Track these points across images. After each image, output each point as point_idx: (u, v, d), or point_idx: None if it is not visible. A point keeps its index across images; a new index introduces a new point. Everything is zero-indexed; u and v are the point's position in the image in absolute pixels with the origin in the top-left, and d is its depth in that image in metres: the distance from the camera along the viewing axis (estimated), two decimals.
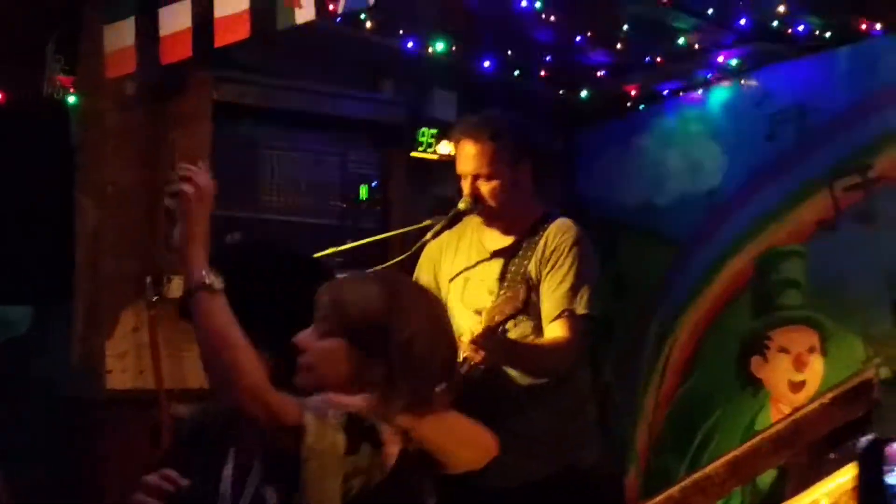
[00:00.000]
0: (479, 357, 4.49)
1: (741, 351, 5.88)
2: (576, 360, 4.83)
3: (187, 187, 3.01)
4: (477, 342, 4.47)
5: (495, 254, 4.83)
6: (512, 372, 4.76)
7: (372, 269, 4.48)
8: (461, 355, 4.59)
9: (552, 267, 4.70)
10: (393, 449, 3.16)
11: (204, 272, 2.92)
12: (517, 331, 4.74)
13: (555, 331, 4.66)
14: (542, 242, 4.75)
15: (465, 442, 3.40)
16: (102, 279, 5.33)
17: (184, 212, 3.00)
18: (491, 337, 4.52)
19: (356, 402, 3.15)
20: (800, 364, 5.64)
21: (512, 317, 4.61)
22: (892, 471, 1.28)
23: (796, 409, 4.94)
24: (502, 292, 4.68)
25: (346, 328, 3.21)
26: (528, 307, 4.64)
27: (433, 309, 3.30)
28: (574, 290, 4.67)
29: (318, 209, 6.07)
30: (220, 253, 5.07)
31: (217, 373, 3.01)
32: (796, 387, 5.62)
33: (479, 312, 4.62)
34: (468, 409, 4.05)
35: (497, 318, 4.58)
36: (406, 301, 3.24)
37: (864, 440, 1.31)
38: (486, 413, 4.32)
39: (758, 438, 4.81)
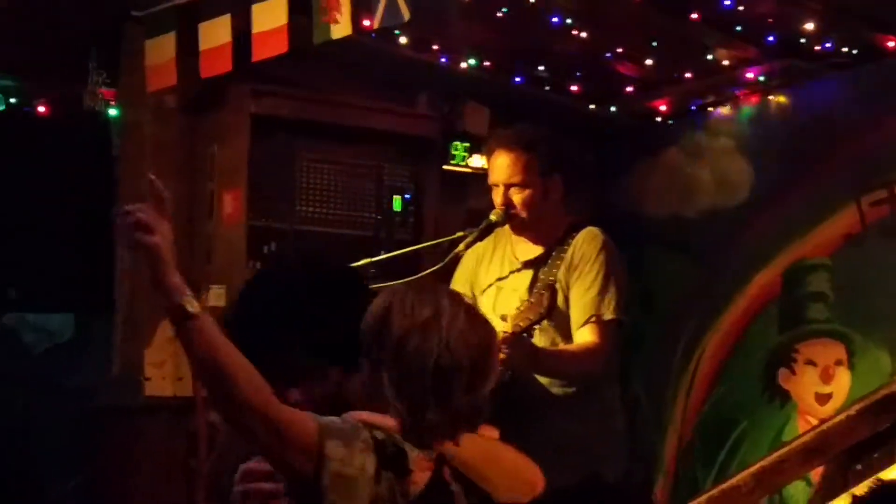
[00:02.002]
0: (503, 357, 4.48)
1: (768, 363, 5.84)
2: (605, 368, 4.82)
3: (142, 237, 2.80)
4: (504, 344, 4.47)
5: (526, 264, 4.84)
6: (541, 380, 4.75)
7: (406, 280, 4.47)
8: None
9: (579, 274, 4.72)
10: (420, 476, 3.08)
11: (186, 301, 2.76)
12: (544, 338, 4.75)
13: (583, 336, 4.68)
14: (570, 250, 4.77)
15: (510, 474, 3.33)
16: (141, 290, 5.32)
17: (150, 257, 2.81)
18: (514, 342, 4.51)
19: (386, 421, 3.09)
20: (826, 376, 5.60)
21: (536, 322, 4.61)
22: None
23: (823, 421, 4.89)
24: (527, 299, 4.68)
25: (363, 344, 3.16)
26: (553, 313, 4.63)
27: (442, 317, 3.12)
28: (601, 296, 4.69)
29: (353, 221, 6.06)
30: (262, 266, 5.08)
31: (220, 398, 2.89)
32: (823, 399, 5.57)
33: (504, 318, 4.60)
34: (502, 420, 4.02)
35: (521, 324, 4.58)
36: (403, 303, 3.14)
37: None
38: (513, 420, 4.32)
39: (785, 449, 4.77)
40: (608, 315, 4.67)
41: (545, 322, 4.65)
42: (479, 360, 3.14)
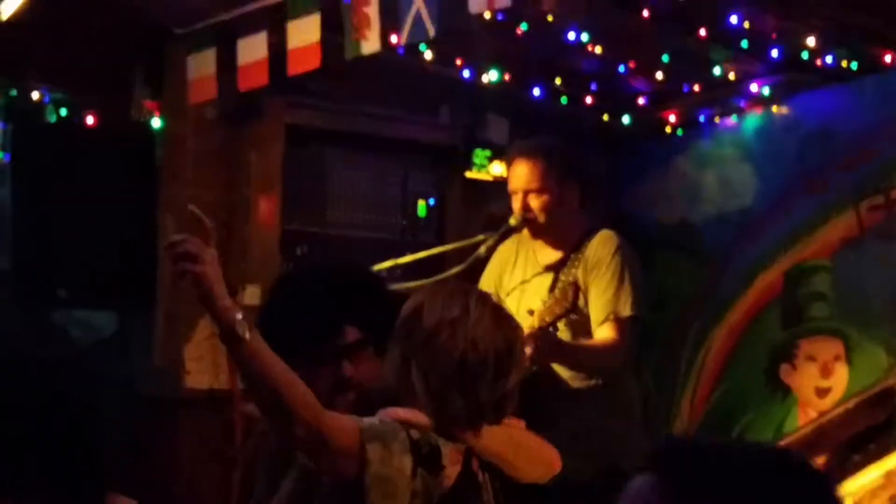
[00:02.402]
0: (530, 351, 4.51)
1: (771, 359, 5.85)
2: (624, 362, 4.85)
3: (190, 267, 2.80)
4: (528, 341, 4.50)
5: (547, 268, 4.85)
6: (563, 373, 4.78)
7: (434, 280, 4.52)
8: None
9: (596, 275, 4.72)
10: (452, 470, 3.11)
11: (237, 325, 2.77)
12: (566, 333, 4.75)
13: (603, 333, 4.69)
14: (586, 253, 4.77)
15: (529, 457, 3.37)
16: (182, 289, 5.37)
17: (198, 284, 2.81)
18: (541, 336, 4.54)
19: (419, 418, 3.09)
20: (826, 371, 5.61)
21: (562, 316, 4.64)
22: None
23: (822, 414, 4.94)
24: (552, 295, 4.70)
25: (395, 339, 3.17)
26: (577, 309, 4.66)
27: (469, 315, 3.13)
28: (618, 295, 4.70)
29: (380, 224, 6.10)
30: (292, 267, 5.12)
31: (271, 412, 2.91)
32: (822, 393, 5.58)
33: (531, 312, 4.63)
34: (527, 412, 4.06)
35: (547, 319, 4.60)
36: (433, 302, 3.16)
37: None
38: (536, 411, 4.36)
39: (786, 441, 4.81)
40: (625, 312, 4.68)
41: (565, 319, 4.70)
42: (504, 356, 3.14)
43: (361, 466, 2.93)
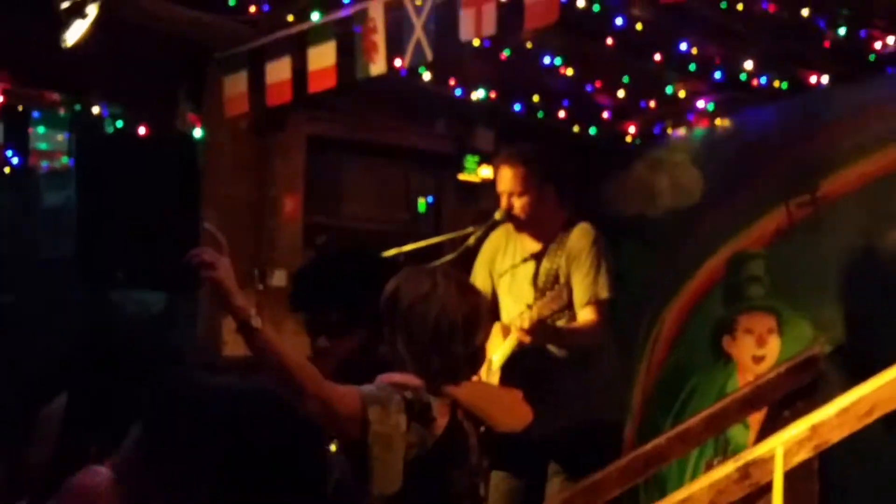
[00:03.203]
0: (528, 340, 4.56)
1: (714, 331, 5.84)
2: (603, 337, 4.86)
3: (209, 273, 2.93)
4: (529, 332, 4.54)
5: (529, 257, 4.86)
6: (550, 348, 4.80)
7: (425, 265, 4.52)
8: (512, 338, 4.67)
9: (578, 263, 4.72)
10: (442, 421, 3.14)
11: (251, 318, 2.87)
12: (558, 319, 4.79)
13: (586, 315, 4.70)
14: (568, 243, 4.76)
15: (504, 408, 3.39)
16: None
17: (216, 288, 2.93)
18: (539, 327, 4.59)
19: (412, 380, 3.13)
20: (761, 342, 5.60)
21: (557, 312, 4.68)
22: None
23: (758, 377, 4.90)
24: (549, 293, 4.72)
25: (382, 315, 3.21)
26: (570, 306, 4.70)
27: (458, 301, 3.18)
28: (596, 280, 4.70)
29: (386, 218, 6.10)
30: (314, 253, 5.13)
31: (286, 388, 2.91)
32: (758, 360, 5.58)
33: (529, 307, 4.67)
34: (518, 377, 4.07)
35: (544, 313, 4.65)
36: (423, 292, 3.18)
37: None
38: (531, 380, 4.38)
39: (727, 399, 4.78)
40: (603, 295, 4.69)
41: (551, 294, 4.72)
42: (471, 319, 3.18)
43: (364, 427, 2.97)
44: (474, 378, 3.34)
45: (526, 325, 4.56)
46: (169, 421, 2.20)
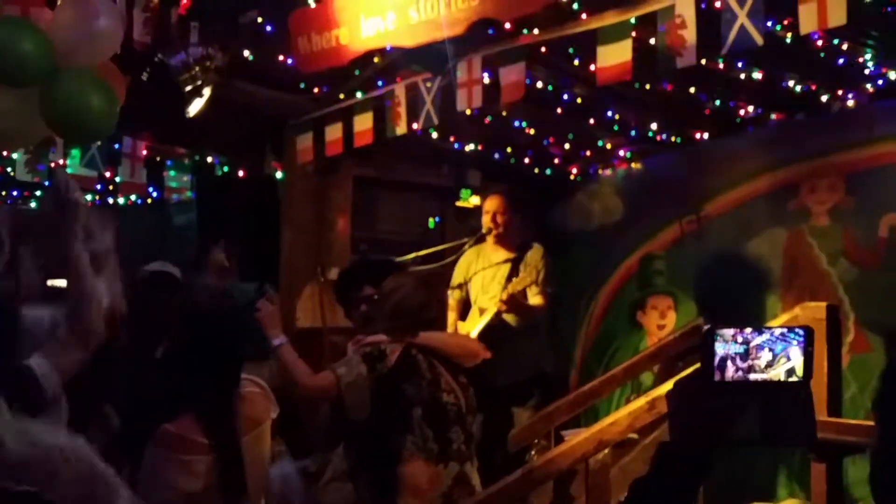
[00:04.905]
0: (504, 308, 4.70)
1: (631, 308, 5.83)
2: (545, 314, 4.97)
3: (262, 309, 3.28)
4: (506, 303, 4.67)
5: (500, 263, 4.93)
6: (511, 320, 4.80)
7: (421, 268, 4.61)
8: (490, 311, 4.69)
9: (531, 269, 4.83)
10: (393, 357, 3.22)
11: (279, 341, 3.17)
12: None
13: (537, 301, 4.83)
14: (526, 257, 4.90)
15: (454, 345, 3.45)
16: (295, 269, 5.36)
17: (263, 320, 3.25)
18: (512, 301, 4.70)
19: (380, 337, 3.27)
20: (663, 315, 5.59)
21: (527, 286, 4.78)
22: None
23: (660, 340, 4.91)
24: (516, 279, 4.77)
25: (376, 300, 3.46)
26: (530, 287, 4.80)
27: (415, 292, 3.34)
28: (543, 280, 4.82)
29: (407, 232, 6.07)
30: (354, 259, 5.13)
31: (297, 385, 3.17)
32: (661, 328, 5.56)
33: (505, 288, 4.73)
34: (490, 341, 4.09)
35: (518, 289, 4.74)
36: (397, 286, 3.36)
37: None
38: (497, 341, 4.38)
39: (640, 355, 4.79)
40: (545, 288, 4.81)
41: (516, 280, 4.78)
42: (426, 308, 3.37)
43: (338, 384, 3.11)
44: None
45: (505, 298, 4.58)
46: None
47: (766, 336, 1.34)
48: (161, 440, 2.48)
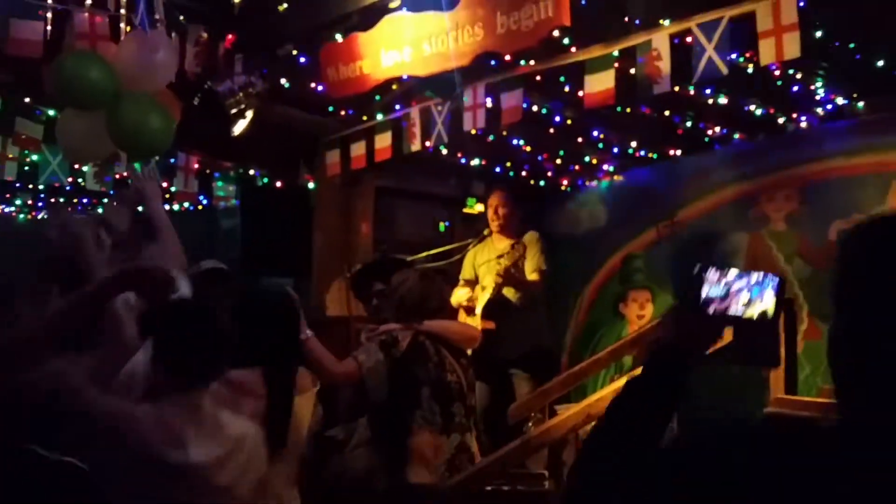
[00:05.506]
0: (500, 281, 4.70)
1: (615, 300, 5.73)
2: (541, 293, 4.98)
3: (301, 338, 3.01)
4: (502, 276, 4.61)
5: (502, 252, 4.93)
6: (511, 297, 4.81)
7: (427, 265, 4.63)
8: (490, 286, 4.72)
9: (528, 251, 4.87)
10: (404, 342, 3.19)
11: (301, 333, 2.94)
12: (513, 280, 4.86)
13: (533, 277, 4.85)
14: (524, 241, 4.93)
15: (455, 331, 3.44)
16: (325, 267, 5.37)
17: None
18: (507, 274, 4.73)
19: (393, 326, 3.24)
20: (642, 307, 5.44)
21: (517, 261, 4.79)
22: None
23: (640, 328, 4.90)
24: (509, 253, 4.83)
25: (387, 294, 3.40)
26: (520, 267, 4.81)
27: (418, 285, 3.29)
28: (539, 260, 4.84)
29: (421, 234, 6.08)
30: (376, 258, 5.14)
31: (324, 372, 3.03)
32: (640, 318, 5.42)
33: (500, 259, 4.73)
34: (492, 317, 4.12)
35: (509, 262, 4.79)
36: (402, 280, 3.32)
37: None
38: (498, 317, 4.42)
39: (622, 341, 4.78)
40: (542, 267, 4.84)
41: (514, 271, 4.80)
42: (428, 298, 3.32)
43: (360, 371, 3.05)
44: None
45: (501, 271, 4.63)
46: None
47: (744, 280, 1.37)
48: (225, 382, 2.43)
